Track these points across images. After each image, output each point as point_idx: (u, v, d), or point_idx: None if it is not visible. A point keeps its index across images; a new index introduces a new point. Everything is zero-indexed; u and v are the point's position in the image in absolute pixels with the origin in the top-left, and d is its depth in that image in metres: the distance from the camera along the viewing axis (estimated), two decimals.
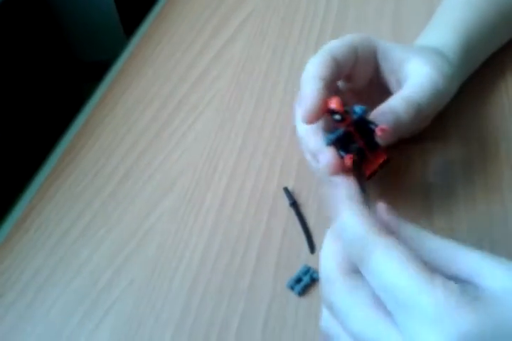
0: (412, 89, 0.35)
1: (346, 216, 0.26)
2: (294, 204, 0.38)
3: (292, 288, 0.34)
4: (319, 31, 0.56)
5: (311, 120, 0.32)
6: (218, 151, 0.44)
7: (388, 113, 0.33)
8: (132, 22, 0.84)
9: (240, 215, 0.39)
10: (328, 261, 0.27)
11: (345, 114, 0.31)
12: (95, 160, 0.44)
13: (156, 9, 0.65)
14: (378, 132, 0.31)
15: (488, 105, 0.44)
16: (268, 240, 0.37)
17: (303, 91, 0.34)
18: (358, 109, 0.31)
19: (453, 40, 0.41)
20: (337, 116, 0.31)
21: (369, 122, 0.32)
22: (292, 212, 0.38)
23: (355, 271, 0.26)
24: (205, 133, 0.46)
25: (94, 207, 0.41)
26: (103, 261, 0.37)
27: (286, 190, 0.39)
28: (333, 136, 0.32)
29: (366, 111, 0.31)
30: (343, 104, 0.31)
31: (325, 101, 0.32)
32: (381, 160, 0.33)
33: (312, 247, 0.36)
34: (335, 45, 0.36)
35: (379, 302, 0.24)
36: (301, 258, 0.35)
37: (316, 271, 0.34)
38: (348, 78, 0.38)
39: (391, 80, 0.38)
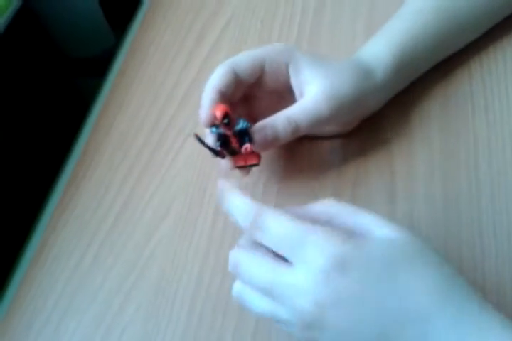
0: (297, 110, 0.41)
1: (234, 197, 0.32)
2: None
3: None
4: (297, 33, 0.58)
5: (206, 125, 0.41)
6: (206, 174, 0.48)
7: (268, 128, 0.40)
8: (116, 15, 0.85)
9: (229, 237, 0.43)
10: (240, 214, 0.33)
11: (224, 124, 0.37)
12: (95, 190, 0.49)
13: (140, 15, 0.67)
14: (243, 150, 0.39)
15: (454, 106, 0.47)
16: None
17: (202, 99, 0.41)
18: (241, 122, 0.39)
19: (386, 54, 0.44)
20: (225, 121, 0.37)
21: (247, 135, 0.39)
22: None
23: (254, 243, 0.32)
24: (194, 155, 0.50)
25: (100, 237, 0.46)
26: (113, 287, 0.43)
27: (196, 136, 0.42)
28: (215, 131, 0.40)
29: (249, 128, 0.39)
30: (228, 112, 0.37)
31: (214, 109, 0.38)
32: (251, 162, 0.41)
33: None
34: (239, 58, 0.42)
35: (274, 256, 0.31)
36: None
37: None
38: (258, 84, 0.43)
39: (296, 93, 0.43)
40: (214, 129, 0.40)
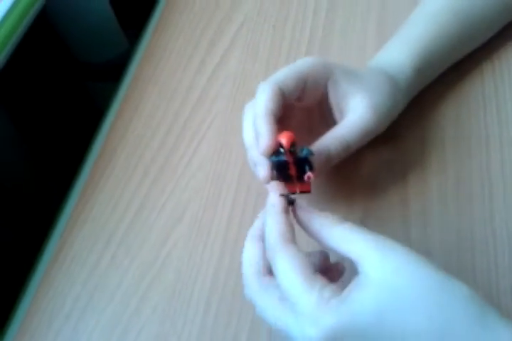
0: (345, 129, 0.40)
1: (268, 223, 0.33)
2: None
3: None
4: (309, 37, 0.59)
5: (267, 155, 0.37)
6: (221, 176, 0.49)
7: (323, 154, 0.39)
8: (130, 21, 0.86)
9: (244, 239, 0.44)
10: (246, 263, 0.35)
11: (290, 152, 0.36)
12: (112, 193, 0.50)
13: (154, 21, 0.68)
14: (305, 178, 0.37)
15: (467, 108, 0.48)
16: None
17: (257, 127, 0.38)
18: (305, 151, 0.37)
19: (405, 60, 0.45)
20: (292, 149, 0.36)
21: (308, 163, 0.37)
22: None
23: (270, 272, 0.33)
24: (208, 157, 0.51)
25: (117, 237, 0.47)
26: (130, 288, 0.43)
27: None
28: (275, 160, 0.37)
29: (310, 155, 0.37)
30: (294, 140, 0.36)
31: (276, 136, 0.37)
32: (303, 190, 0.38)
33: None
34: (284, 76, 0.40)
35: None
36: None
37: None
38: (298, 99, 0.42)
39: (335, 109, 0.42)
40: (274, 157, 0.37)
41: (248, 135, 0.40)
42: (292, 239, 0.33)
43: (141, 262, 0.45)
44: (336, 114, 0.43)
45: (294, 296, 0.30)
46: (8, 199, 0.64)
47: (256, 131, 0.38)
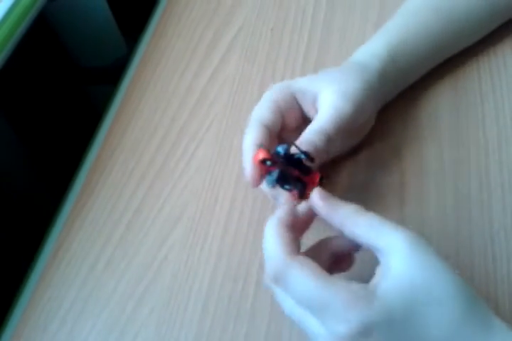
0: (321, 120, 0.41)
1: (268, 235, 0.33)
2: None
3: None
4: (307, 40, 0.59)
5: (257, 182, 0.39)
6: (218, 179, 0.49)
7: (306, 145, 0.39)
8: (129, 25, 0.86)
9: (241, 243, 0.44)
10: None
11: (273, 158, 0.37)
12: (109, 196, 0.49)
13: (152, 25, 0.68)
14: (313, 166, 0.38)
15: (464, 106, 0.48)
16: None
17: (244, 160, 0.40)
18: (280, 148, 0.37)
19: (378, 47, 0.46)
20: (268, 162, 0.37)
21: (294, 154, 0.38)
22: None
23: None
24: (206, 161, 0.50)
25: (114, 240, 0.46)
26: (126, 291, 0.43)
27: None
28: (272, 178, 0.38)
29: (288, 148, 0.38)
30: (267, 149, 0.37)
31: (255, 158, 0.38)
32: (317, 180, 0.39)
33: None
34: (261, 114, 0.42)
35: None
36: None
37: None
38: (282, 128, 0.43)
39: (313, 116, 0.43)
40: (268, 178, 0.38)
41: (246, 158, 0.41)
42: (298, 249, 0.33)
43: (137, 265, 0.45)
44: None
45: (321, 301, 0.30)
46: (5, 202, 0.64)
47: (243, 164, 0.40)
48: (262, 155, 0.37)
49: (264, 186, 0.40)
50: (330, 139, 0.40)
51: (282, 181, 0.37)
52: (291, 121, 0.43)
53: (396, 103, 0.48)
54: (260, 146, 0.39)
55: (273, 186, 0.38)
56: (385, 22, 0.59)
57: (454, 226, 0.41)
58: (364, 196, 0.44)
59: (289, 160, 0.38)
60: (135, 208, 0.48)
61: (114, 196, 0.50)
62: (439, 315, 0.29)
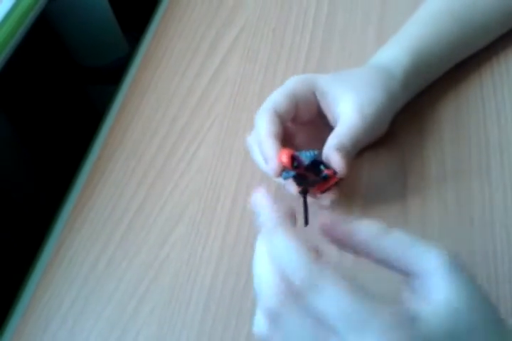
0: (341, 134, 0.41)
1: (281, 241, 0.28)
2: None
3: None
4: (309, 41, 0.59)
5: (278, 174, 0.39)
6: (220, 179, 0.49)
7: (336, 151, 0.39)
8: (130, 24, 0.87)
9: (243, 242, 0.44)
10: (265, 284, 0.29)
11: (294, 165, 0.38)
12: (110, 196, 0.49)
13: (154, 25, 0.68)
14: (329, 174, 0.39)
15: (466, 110, 0.48)
16: None
17: (263, 152, 0.40)
18: (308, 154, 0.39)
19: (402, 54, 0.45)
20: (295, 164, 0.38)
21: (320, 163, 0.39)
22: None
23: (292, 293, 0.28)
24: (207, 161, 0.50)
25: (115, 239, 0.46)
26: (128, 290, 0.43)
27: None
28: (288, 175, 0.39)
29: (315, 157, 0.39)
30: (293, 154, 0.38)
31: (279, 158, 0.39)
32: (333, 182, 0.40)
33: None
34: (276, 100, 0.42)
35: (319, 322, 0.27)
36: None
37: None
38: (294, 118, 0.43)
39: (328, 116, 0.44)
40: (284, 174, 0.39)
41: (260, 162, 0.43)
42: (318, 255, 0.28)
43: (139, 264, 0.45)
44: (330, 121, 0.44)
45: (361, 320, 0.26)
46: (7, 201, 0.64)
47: (263, 155, 0.40)
48: (285, 158, 0.38)
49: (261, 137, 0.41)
50: (349, 153, 0.41)
51: (298, 180, 0.39)
52: (304, 113, 0.44)
53: None
54: (278, 136, 0.40)
55: (285, 179, 0.40)
56: (386, 23, 0.60)
57: (456, 227, 0.42)
58: (367, 199, 0.45)
59: (313, 166, 0.39)
60: (136, 208, 0.48)
61: (115, 195, 0.50)
62: None
